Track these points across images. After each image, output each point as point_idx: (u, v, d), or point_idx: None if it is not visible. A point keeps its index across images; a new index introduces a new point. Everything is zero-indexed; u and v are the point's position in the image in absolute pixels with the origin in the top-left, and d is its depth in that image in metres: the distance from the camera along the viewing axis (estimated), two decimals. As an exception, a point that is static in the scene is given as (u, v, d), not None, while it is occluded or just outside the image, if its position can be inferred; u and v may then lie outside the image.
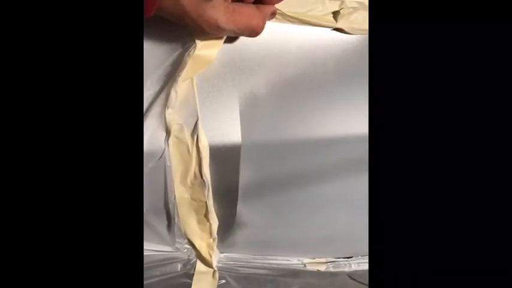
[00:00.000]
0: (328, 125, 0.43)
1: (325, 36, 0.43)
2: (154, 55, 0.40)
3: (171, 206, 0.43)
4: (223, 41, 0.40)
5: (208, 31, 0.35)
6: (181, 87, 0.39)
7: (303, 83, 0.42)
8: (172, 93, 0.39)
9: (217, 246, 0.49)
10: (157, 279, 0.46)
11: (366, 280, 0.59)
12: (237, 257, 0.50)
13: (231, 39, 0.41)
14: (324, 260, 0.55)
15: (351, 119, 0.43)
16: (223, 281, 0.49)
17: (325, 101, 0.43)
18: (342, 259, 0.56)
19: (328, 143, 0.43)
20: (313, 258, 0.55)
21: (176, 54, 0.40)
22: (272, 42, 0.42)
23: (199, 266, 0.48)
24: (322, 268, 0.54)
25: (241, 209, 0.45)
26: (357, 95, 0.43)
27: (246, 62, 0.42)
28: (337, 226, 0.53)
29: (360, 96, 0.43)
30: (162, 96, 0.40)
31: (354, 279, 0.58)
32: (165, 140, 0.39)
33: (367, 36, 0.43)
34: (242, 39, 0.42)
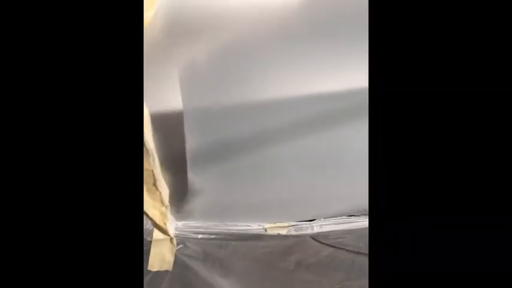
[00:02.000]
0: (274, 86, 0.43)
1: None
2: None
3: (120, 177, 0.43)
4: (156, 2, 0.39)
5: None
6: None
7: (243, 46, 0.42)
8: None
9: (175, 216, 0.50)
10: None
11: (330, 241, 0.60)
12: (195, 224, 0.51)
13: (164, 4, 0.40)
14: (285, 224, 0.56)
15: (295, 80, 0.43)
16: (182, 245, 0.50)
17: (267, 63, 0.42)
18: (304, 222, 0.57)
19: (275, 104, 0.43)
20: (274, 223, 0.55)
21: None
22: (209, 7, 0.41)
23: (157, 234, 0.49)
24: (284, 232, 0.55)
25: (193, 176, 0.46)
26: (299, 55, 0.43)
27: (183, 27, 0.41)
28: (296, 189, 0.53)
29: (303, 56, 0.43)
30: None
31: (318, 241, 0.59)
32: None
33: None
34: (177, 7, 0.41)
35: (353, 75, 0.44)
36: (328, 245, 0.61)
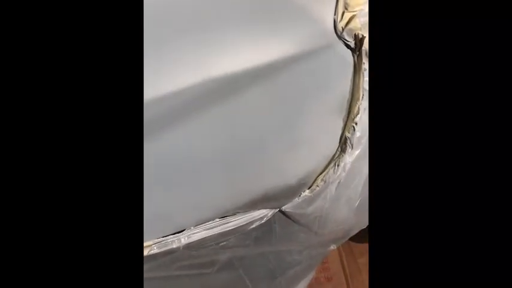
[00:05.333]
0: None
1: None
2: None
3: None
4: None
5: None
6: None
7: None
8: None
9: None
10: None
11: (211, 247, 0.55)
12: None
13: None
14: (149, 242, 0.51)
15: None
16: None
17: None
18: (170, 236, 0.52)
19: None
20: (135, 245, 0.51)
21: None
22: None
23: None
24: (145, 252, 0.50)
25: None
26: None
27: None
28: (154, 202, 0.48)
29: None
30: None
31: (196, 251, 0.54)
32: None
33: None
34: None
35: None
36: (214, 249, 0.57)
